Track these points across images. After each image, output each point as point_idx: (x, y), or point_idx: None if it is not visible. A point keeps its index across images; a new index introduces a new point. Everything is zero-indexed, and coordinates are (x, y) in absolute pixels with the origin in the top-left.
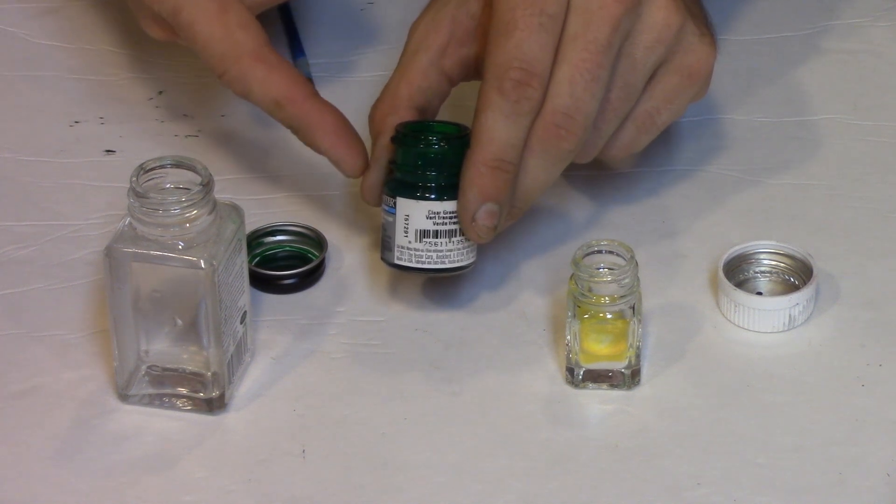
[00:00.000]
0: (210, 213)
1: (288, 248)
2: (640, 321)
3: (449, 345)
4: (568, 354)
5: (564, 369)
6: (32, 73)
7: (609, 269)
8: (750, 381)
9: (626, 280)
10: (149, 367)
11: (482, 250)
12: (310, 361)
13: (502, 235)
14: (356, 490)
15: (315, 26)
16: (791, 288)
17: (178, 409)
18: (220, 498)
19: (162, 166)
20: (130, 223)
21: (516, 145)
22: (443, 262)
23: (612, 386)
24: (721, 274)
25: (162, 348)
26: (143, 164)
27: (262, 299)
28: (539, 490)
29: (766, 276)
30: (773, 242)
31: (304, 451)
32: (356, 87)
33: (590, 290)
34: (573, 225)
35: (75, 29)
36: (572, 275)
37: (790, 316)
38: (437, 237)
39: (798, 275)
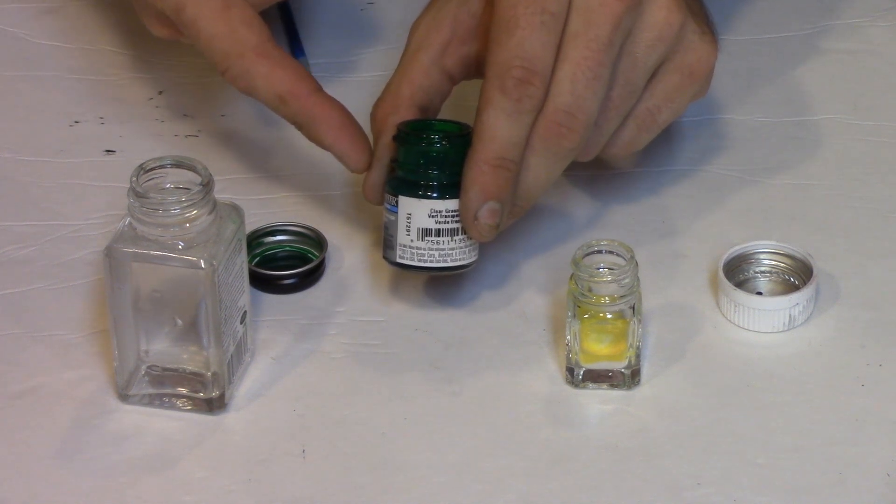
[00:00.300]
0: (210, 213)
1: (288, 248)
2: (640, 321)
3: (449, 345)
4: (568, 354)
5: (564, 369)
6: (32, 73)
7: (609, 268)
8: (750, 381)
9: (626, 280)
10: (149, 367)
11: (482, 249)
12: (310, 361)
13: (502, 235)
14: (356, 490)
15: (315, 26)
16: (791, 288)
17: (178, 409)
18: (220, 498)
19: (162, 166)
20: (130, 223)
21: (518, 144)
22: (445, 261)
23: (612, 386)
24: (721, 274)
25: (162, 348)
26: (143, 164)
27: (262, 299)
28: (539, 490)
29: (766, 276)
30: (773, 242)
31: (304, 451)
32: (356, 87)
33: (590, 289)
34: (573, 225)
35: (75, 29)
36: (572, 275)
37: (790, 316)
38: (439, 236)
39: (798, 275)
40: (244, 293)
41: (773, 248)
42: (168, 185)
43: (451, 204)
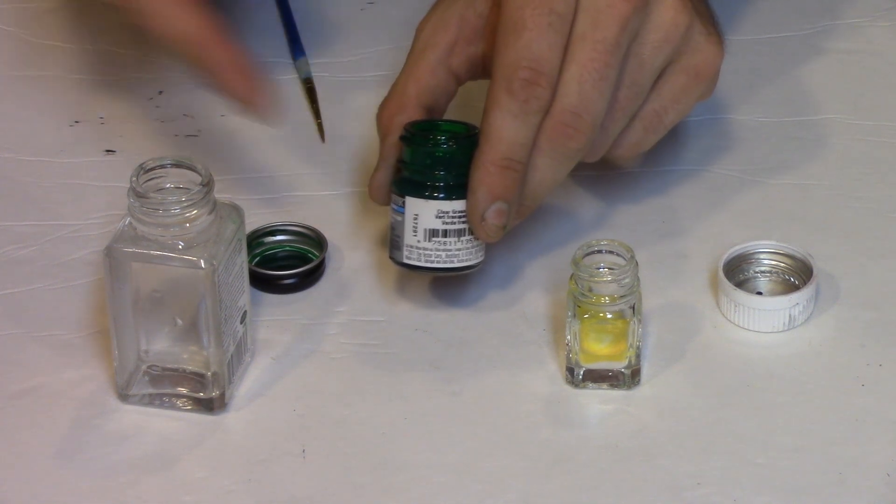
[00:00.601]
0: (210, 213)
1: (288, 248)
2: (640, 321)
3: (449, 345)
4: (568, 354)
5: (564, 369)
6: (32, 73)
7: (609, 268)
8: (750, 381)
9: (626, 280)
10: (149, 367)
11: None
12: (310, 361)
13: (504, 236)
14: (356, 490)
15: (315, 26)
16: (791, 288)
17: (178, 408)
18: (220, 498)
19: (162, 166)
20: (130, 223)
21: (525, 144)
22: (451, 262)
23: (612, 386)
24: (721, 274)
25: (162, 348)
26: (143, 164)
27: (262, 299)
28: (539, 490)
29: (766, 276)
30: (773, 242)
31: (304, 451)
32: (356, 87)
33: (590, 289)
34: (573, 225)
35: (75, 29)
36: (572, 275)
37: (790, 316)
38: (446, 236)
39: (798, 275)
40: (244, 293)
41: (773, 248)
42: (168, 185)
43: (458, 204)
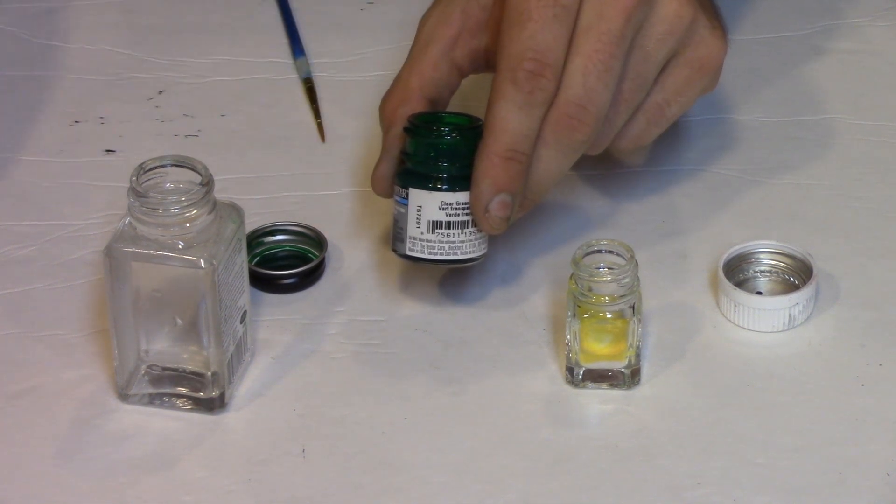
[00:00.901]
0: (210, 213)
1: (288, 248)
2: (640, 321)
3: (449, 345)
4: (568, 354)
5: (564, 369)
6: (32, 73)
7: (609, 268)
8: (750, 381)
9: (626, 279)
10: (149, 367)
11: None
12: (310, 361)
13: (503, 234)
14: (356, 490)
15: (315, 26)
16: (791, 288)
17: (178, 408)
18: (220, 498)
19: (162, 166)
20: (130, 223)
21: (529, 136)
22: (455, 254)
23: (612, 386)
24: (721, 274)
25: (162, 348)
26: (143, 163)
27: (262, 299)
28: (539, 490)
29: (766, 276)
30: (773, 242)
31: (304, 451)
32: (356, 87)
33: (590, 289)
34: (573, 224)
35: (75, 29)
36: (572, 274)
37: (790, 316)
38: (449, 228)
39: (798, 274)
40: (244, 293)
41: (773, 247)
42: (168, 185)
43: (462, 196)
